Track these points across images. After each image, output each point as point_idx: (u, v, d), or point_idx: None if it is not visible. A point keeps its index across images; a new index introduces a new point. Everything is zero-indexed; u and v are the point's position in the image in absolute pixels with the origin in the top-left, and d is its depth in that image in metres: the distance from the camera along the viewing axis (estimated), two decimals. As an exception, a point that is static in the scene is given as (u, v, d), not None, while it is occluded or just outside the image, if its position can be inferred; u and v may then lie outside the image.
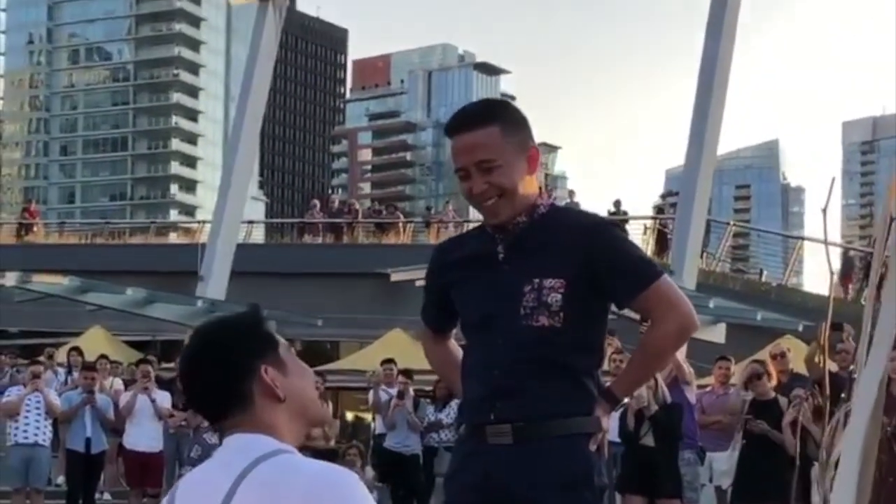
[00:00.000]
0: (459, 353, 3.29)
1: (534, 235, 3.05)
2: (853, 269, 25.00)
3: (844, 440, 2.42)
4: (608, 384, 3.12)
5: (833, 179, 3.27)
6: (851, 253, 25.99)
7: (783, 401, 9.62)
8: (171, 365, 17.56)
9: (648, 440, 9.26)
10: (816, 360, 10.80)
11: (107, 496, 14.61)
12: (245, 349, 2.31)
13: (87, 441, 12.82)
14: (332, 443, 14.31)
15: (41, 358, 17.09)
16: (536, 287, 2.98)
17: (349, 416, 24.15)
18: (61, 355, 17.35)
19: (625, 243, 3.10)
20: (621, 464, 9.70)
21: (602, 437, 3.01)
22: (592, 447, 2.95)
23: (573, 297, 2.97)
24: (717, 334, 17.62)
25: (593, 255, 2.98)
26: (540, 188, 3.15)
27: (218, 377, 2.27)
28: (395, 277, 16.52)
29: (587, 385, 3.02)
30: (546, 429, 2.94)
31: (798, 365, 11.55)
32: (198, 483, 2.28)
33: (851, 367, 10.28)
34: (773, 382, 10.20)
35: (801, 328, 17.19)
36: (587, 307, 3.03)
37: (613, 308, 3.22)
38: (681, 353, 12.60)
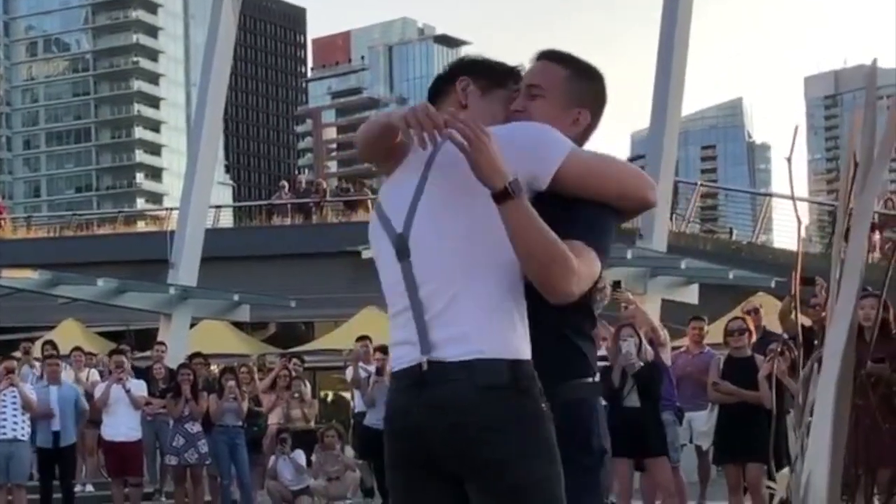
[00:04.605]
0: None
1: None
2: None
3: (818, 386, 2.42)
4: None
5: (797, 128, 3.27)
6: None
7: (759, 358, 9.63)
8: (146, 354, 17.48)
9: (633, 400, 9.27)
10: (790, 314, 10.87)
11: (89, 487, 14.56)
12: (467, 64, 2.94)
13: (56, 434, 12.76)
14: (312, 423, 14.36)
15: (16, 353, 16.98)
16: None
17: (328, 395, 24.19)
18: (38, 350, 17.24)
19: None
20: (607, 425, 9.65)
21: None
22: None
23: None
24: (689, 295, 17.74)
25: None
26: None
27: (440, 75, 2.95)
28: (366, 255, 16.48)
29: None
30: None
31: (770, 322, 11.61)
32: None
33: (824, 314, 10.39)
34: (753, 339, 10.24)
35: (773, 284, 17.32)
36: None
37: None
38: (655, 316, 12.68)
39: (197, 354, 14.80)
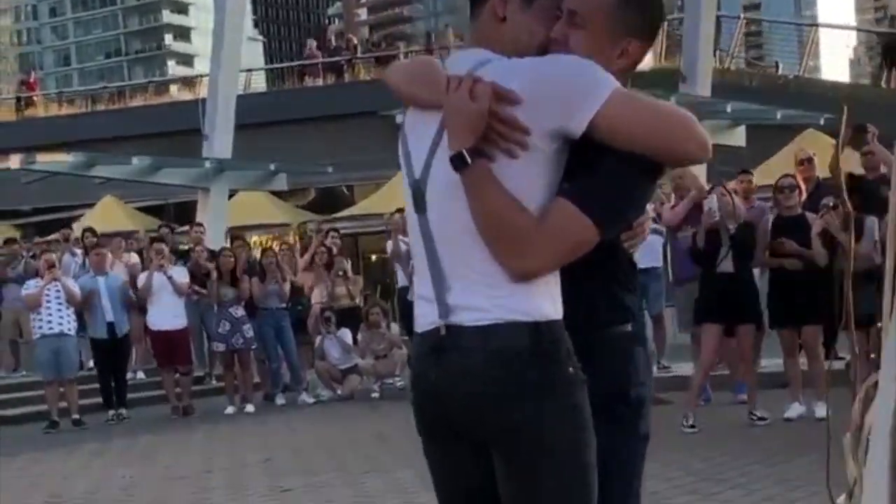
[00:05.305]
0: None
1: None
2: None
3: (876, 413, 2.13)
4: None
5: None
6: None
7: (810, 216, 9.25)
8: (185, 228, 17.31)
9: (727, 265, 8.93)
10: (839, 165, 10.41)
11: (140, 375, 14.61)
12: None
13: (110, 326, 12.71)
14: (357, 300, 14.16)
15: (55, 236, 16.91)
16: None
17: (374, 258, 23.99)
18: (78, 230, 17.17)
19: None
20: (699, 291, 9.34)
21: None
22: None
23: None
24: (737, 137, 17.29)
25: None
26: None
27: None
28: (400, 119, 16.08)
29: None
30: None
31: (824, 170, 11.18)
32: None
33: (883, 169, 9.92)
34: (804, 197, 9.84)
35: (822, 121, 16.79)
36: None
37: None
38: (701, 173, 12.26)
39: (236, 237, 14.61)
